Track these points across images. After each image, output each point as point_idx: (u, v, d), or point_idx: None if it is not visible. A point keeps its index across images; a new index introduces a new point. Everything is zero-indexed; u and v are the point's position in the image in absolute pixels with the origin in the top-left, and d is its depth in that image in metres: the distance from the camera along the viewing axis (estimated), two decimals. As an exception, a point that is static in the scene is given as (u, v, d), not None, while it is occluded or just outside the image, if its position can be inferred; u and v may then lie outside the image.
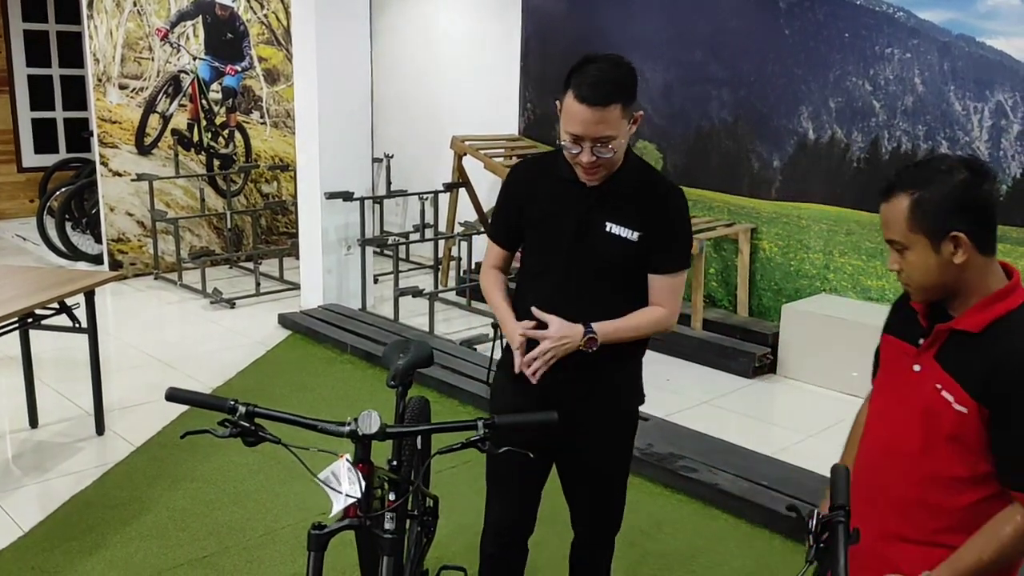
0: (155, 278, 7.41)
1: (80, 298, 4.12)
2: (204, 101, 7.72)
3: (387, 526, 2.29)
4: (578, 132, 2.05)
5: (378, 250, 7.56)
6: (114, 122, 7.24)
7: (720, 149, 6.07)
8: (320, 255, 6.36)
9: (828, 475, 1.48)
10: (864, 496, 1.73)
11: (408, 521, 2.67)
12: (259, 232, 8.06)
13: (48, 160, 9.62)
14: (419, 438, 2.91)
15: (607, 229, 2.18)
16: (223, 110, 7.86)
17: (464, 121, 7.50)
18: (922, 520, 1.68)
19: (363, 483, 1.77)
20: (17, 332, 4.17)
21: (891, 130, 5.20)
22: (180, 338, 5.99)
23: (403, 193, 7.31)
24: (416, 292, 5.95)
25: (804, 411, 4.90)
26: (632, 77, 2.10)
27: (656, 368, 5.48)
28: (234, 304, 6.66)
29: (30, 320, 4.10)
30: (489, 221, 2.43)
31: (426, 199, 7.25)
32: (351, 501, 1.77)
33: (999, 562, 1.58)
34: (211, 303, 6.68)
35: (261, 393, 4.93)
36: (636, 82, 2.11)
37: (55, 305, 4.03)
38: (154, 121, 7.45)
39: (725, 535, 3.56)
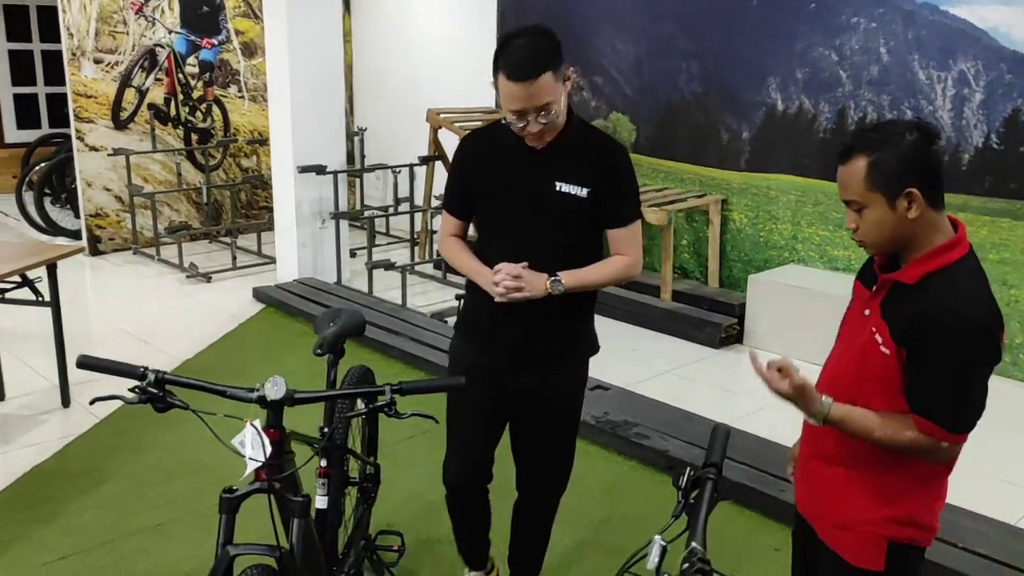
0: (133, 253, 7.45)
1: (44, 272, 4.16)
2: (180, 75, 7.71)
3: (319, 493, 2.37)
4: (518, 107, 2.16)
5: (356, 224, 7.58)
6: (90, 96, 7.23)
7: (690, 121, 6.07)
8: (294, 229, 6.39)
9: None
10: (807, 425, 1.92)
11: (348, 487, 2.72)
12: (238, 206, 8.08)
13: (31, 135, 9.63)
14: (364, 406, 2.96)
15: (557, 188, 2.29)
16: (200, 84, 7.85)
17: (442, 94, 7.48)
18: (850, 448, 1.81)
19: (268, 448, 1.81)
20: (-19, 306, 4.22)
21: (857, 100, 5.20)
22: (154, 312, 6.04)
23: (378, 167, 7.32)
24: (388, 265, 5.98)
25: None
26: (555, 43, 2.20)
27: (623, 338, 5.55)
28: (210, 278, 6.69)
29: (-8, 294, 4.14)
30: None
31: (399, 172, 7.26)
32: (256, 465, 1.81)
33: (881, 444, 1.73)
34: (187, 277, 6.72)
35: (226, 366, 4.98)
36: (559, 45, 2.20)
37: (17, 278, 4.07)
38: (130, 95, 7.44)
39: (673, 501, 3.60)
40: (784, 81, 5.51)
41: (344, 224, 6.59)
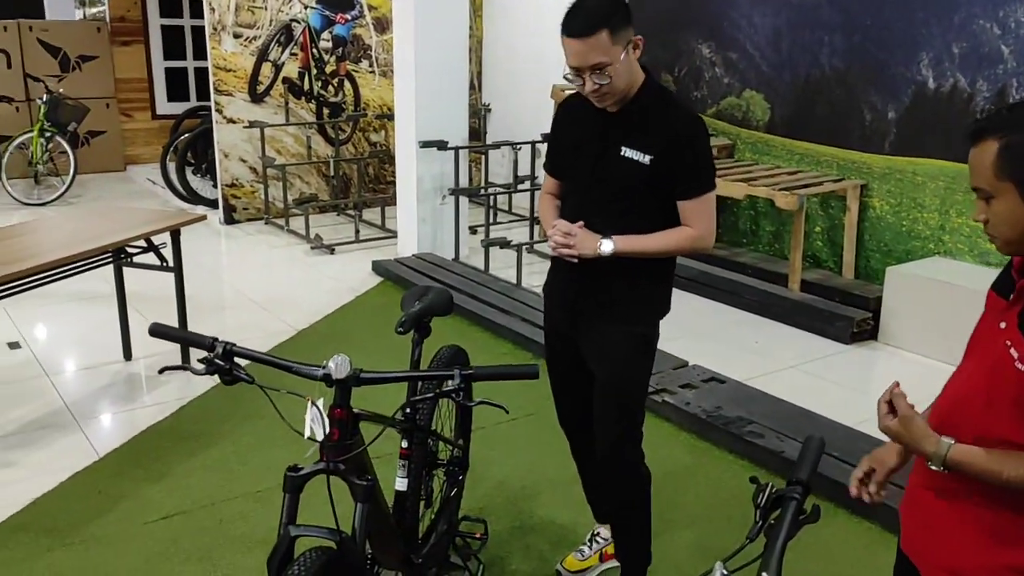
0: (265, 223, 7.68)
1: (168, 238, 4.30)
2: (315, 50, 7.86)
3: (400, 475, 2.30)
4: (572, 64, 2.22)
5: (478, 201, 7.55)
6: (229, 70, 7.47)
7: (830, 99, 5.67)
8: (415, 204, 6.40)
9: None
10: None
11: (432, 470, 2.65)
12: (366, 180, 8.20)
13: (179, 108, 10.09)
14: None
15: (622, 152, 2.31)
16: (333, 59, 7.98)
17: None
18: (968, 479, 1.56)
19: (326, 427, 1.74)
20: (113, 268, 4.41)
21: (1020, 78, 4.70)
22: (278, 281, 6.19)
23: (502, 144, 7.23)
24: (504, 243, 5.90)
25: (901, 382, 4.56)
26: (619, 4, 2.22)
27: (745, 329, 5.27)
28: (333, 250, 6.81)
29: (122, 257, 4.31)
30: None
31: (519, 149, 7.16)
32: (317, 445, 1.75)
33: (1009, 485, 1.48)
34: (312, 249, 6.86)
35: (340, 336, 5.03)
36: (625, 9, 2.23)
37: (143, 243, 4.21)
38: (266, 69, 7.64)
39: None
40: (938, 56, 5.05)
41: (464, 201, 6.56)
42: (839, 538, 3.19)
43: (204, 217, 4.51)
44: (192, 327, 4.72)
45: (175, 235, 4.32)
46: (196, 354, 4.57)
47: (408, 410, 2.32)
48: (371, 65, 8.20)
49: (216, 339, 1.84)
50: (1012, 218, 1.48)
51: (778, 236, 6.08)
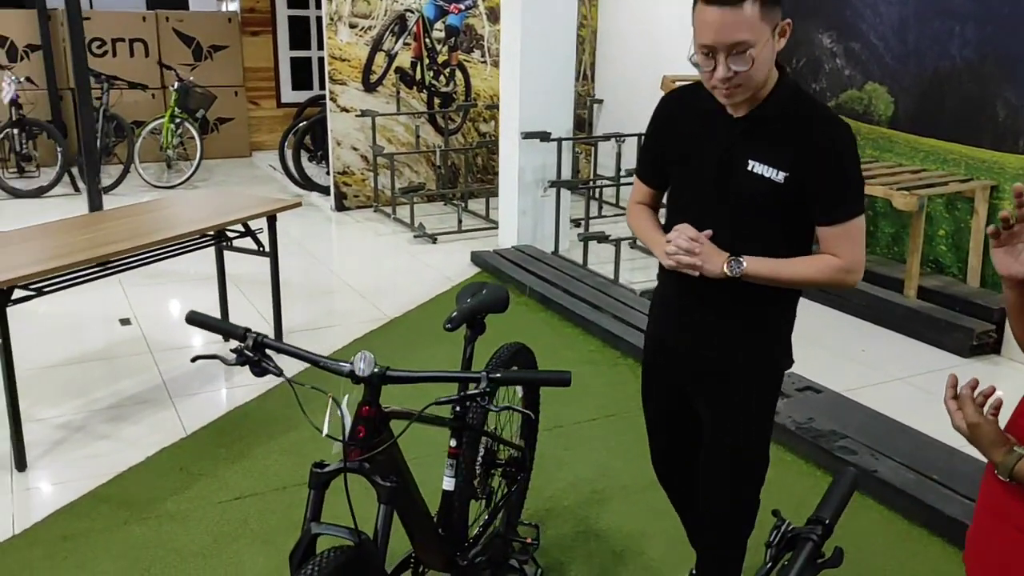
0: (374, 211, 7.81)
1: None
2: (427, 40, 7.92)
3: (447, 474, 2.25)
4: (709, 40, 1.81)
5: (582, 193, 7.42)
6: (343, 60, 7.62)
7: (960, 93, 5.26)
8: (516, 196, 6.35)
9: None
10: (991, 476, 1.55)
11: (490, 470, 2.59)
12: (474, 170, 8.21)
13: (302, 96, 10.40)
14: (521, 391, 2.81)
15: (749, 167, 1.94)
16: (445, 48, 8.02)
17: (683, 61, 7.08)
18: None
19: (348, 425, 1.70)
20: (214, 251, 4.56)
21: None
22: (379, 269, 6.26)
23: (609, 136, 7.09)
24: (602, 238, 5.77)
25: None
26: None
27: (851, 336, 4.97)
28: (435, 239, 6.85)
29: (222, 241, 4.45)
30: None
31: (623, 142, 6.99)
32: (339, 443, 1.71)
33: None
34: (415, 237, 6.92)
35: (426, 327, 5.03)
36: None
37: (240, 227, 4.33)
38: (380, 59, 7.75)
39: (874, 531, 3.14)
40: (1083, 47, 4.60)
41: (567, 194, 6.46)
42: (928, 568, 2.94)
43: (299, 203, 4.59)
44: (287, 312, 4.83)
45: (271, 221, 4.41)
46: (303, 335, 4.69)
47: (458, 408, 2.27)
48: (483, 55, 8.20)
49: (248, 330, 1.83)
50: None
51: (897, 239, 5.71)
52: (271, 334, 4.67)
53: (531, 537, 2.64)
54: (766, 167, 1.92)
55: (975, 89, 5.17)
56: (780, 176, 1.91)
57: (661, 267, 2.14)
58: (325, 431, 1.70)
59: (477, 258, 6.24)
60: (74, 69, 6.30)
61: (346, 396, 1.75)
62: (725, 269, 1.94)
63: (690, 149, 2.05)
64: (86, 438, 3.71)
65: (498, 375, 1.74)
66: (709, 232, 1.97)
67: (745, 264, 1.94)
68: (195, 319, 1.87)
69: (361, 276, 6.04)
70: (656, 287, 2.29)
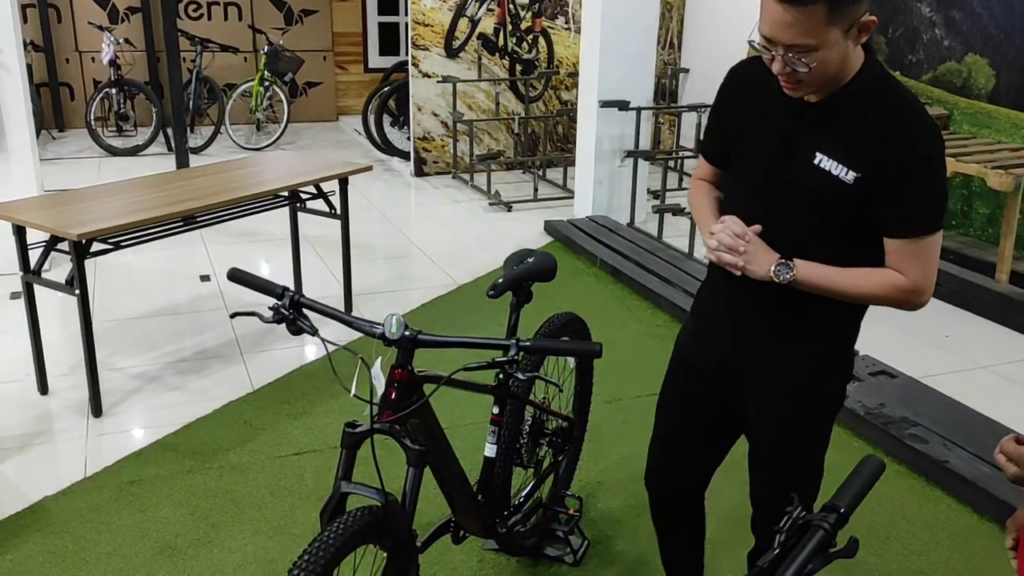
0: (452, 177, 7.83)
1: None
2: (511, 6, 7.84)
3: (489, 441, 2.24)
4: (767, 33, 1.63)
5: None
6: (427, 25, 7.62)
7: (1069, 66, 4.93)
8: (592, 165, 6.27)
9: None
10: None
11: (538, 439, 2.58)
12: (554, 139, 8.14)
13: (389, 62, 10.47)
14: (573, 362, 2.79)
15: (815, 161, 1.71)
16: (529, 15, 7.93)
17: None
18: None
19: (380, 387, 1.71)
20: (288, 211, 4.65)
21: None
22: (452, 235, 6.29)
23: (693, 107, 6.91)
24: (676, 210, 5.66)
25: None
26: None
27: (936, 320, 4.75)
28: (511, 207, 6.83)
29: (296, 203, 4.52)
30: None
31: (703, 112, 6.79)
32: (366, 405, 1.72)
33: None
34: (490, 204, 6.92)
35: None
36: None
37: (313, 189, 4.40)
38: (463, 25, 7.73)
39: (940, 522, 3.01)
40: None
41: (645, 165, 6.34)
42: (996, 564, 2.81)
43: (370, 167, 4.62)
44: (357, 275, 4.91)
45: (343, 184, 4.46)
46: (371, 298, 4.75)
47: (501, 375, 2.25)
48: (567, 22, 8.08)
49: (287, 289, 1.85)
50: None
51: (992, 220, 5.41)
52: (342, 296, 4.75)
53: (574, 509, 2.62)
54: (835, 163, 1.69)
55: (1086, 62, 4.83)
56: (850, 176, 1.68)
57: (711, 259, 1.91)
58: (353, 392, 1.71)
59: (550, 227, 6.20)
60: (164, 31, 6.47)
61: (379, 358, 1.75)
62: (772, 273, 1.73)
63: (752, 130, 1.83)
64: (159, 388, 3.85)
65: (527, 343, 1.71)
66: (758, 228, 1.76)
67: (795, 270, 1.72)
68: (237, 276, 1.91)
69: (435, 242, 6.07)
70: (704, 280, 2.05)
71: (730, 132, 1.91)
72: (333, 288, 5.02)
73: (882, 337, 4.29)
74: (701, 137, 7.00)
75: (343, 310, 4.64)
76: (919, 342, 4.44)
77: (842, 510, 1.07)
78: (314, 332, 1.80)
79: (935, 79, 5.74)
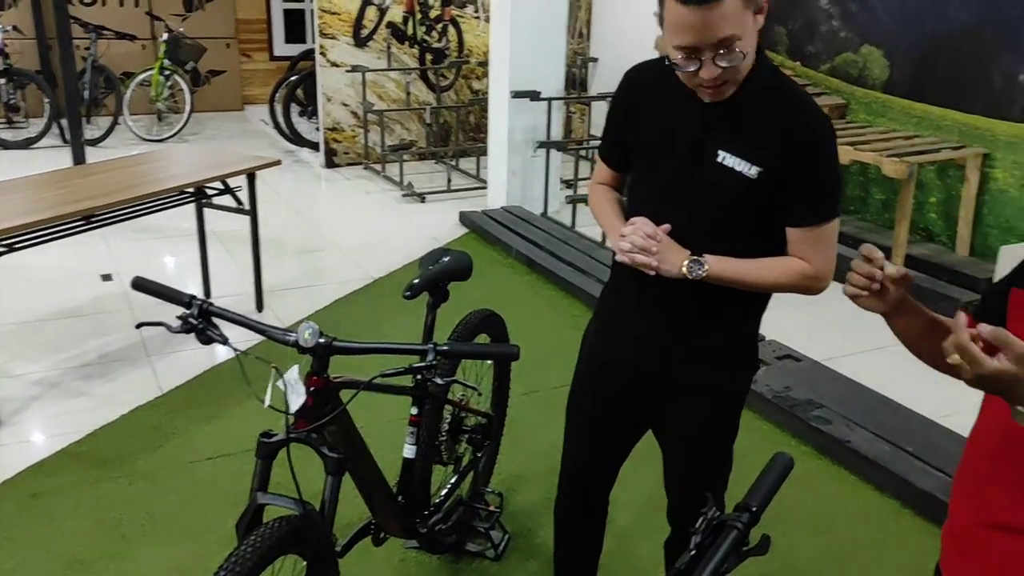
0: (364, 168, 7.74)
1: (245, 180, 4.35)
2: (420, -6, 7.77)
3: (408, 442, 2.23)
4: (690, 42, 1.61)
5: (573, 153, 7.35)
6: (334, 13, 7.48)
7: (956, 59, 5.16)
8: (505, 156, 6.28)
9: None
10: (974, 471, 1.47)
11: (457, 437, 2.58)
12: (466, 128, 8.12)
13: (296, 50, 10.25)
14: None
15: (719, 159, 1.75)
16: (438, 3, 7.87)
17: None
18: None
19: (298, 396, 1.68)
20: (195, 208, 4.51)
21: None
22: (365, 227, 6.21)
23: (592, 97, 6.99)
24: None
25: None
26: None
27: (838, 304, 4.92)
28: (424, 198, 6.79)
29: (202, 199, 4.40)
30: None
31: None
32: (283, 414, 1.69)
33: None
34: (403, 196, 6.86)
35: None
36: None
37: (219, 185, 4.28)
38: (371, 13, 7.62)
39: (844, 500, 3.15)
40: (1082, 13, 4.50)
41: (558, 155, 6.38)
42: (898, 539, 2.95)
43: (278, 162, 4.52)
44: (268, 271, 4.80)
45: (251, 178, 4.35)
46: (283, 295, 4.65)
47: (418, 377, 2.24)
48: (476, 10, 8.05)
49: (194, 297, 1.79)
50: None
51: (888, 206, 5.65)
52: (253, 294, 4.65)
53: (495, 504, 2.64)
54: (738, 160, 1.73)
55: (972, 55, 5.07)
56: (753, 171, 1.72)
57: (616, 260, 1.93)
58: (267, 403, 1.68)
59: (465, 218, 6.19)
60: (56, 18, 6.19)
61: (295, 366, 1.72)
62: (684, 270, 1.75)
63: (654, 134, 1.84)
64: (61, 395, 3.70)
65: (445, 348, 1.71)
66: (667, 227, 1.78)
67: (707, 265, 1.75)
68: (141, 285, 1.84)
69: (348, 235, 5.99)
70: (608, 281, 2.07)
71: (631, 135, 1.91)
72: (243, 285, 4.90)
73: (787, 322, 4.43)
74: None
75: (254, 307, 4.59)
76: (821, 326, 4.60)
77: (754, 509, 1.10)
78: (225, 341, 1.76)
79: (833, 69, 5.94)
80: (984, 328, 1.15)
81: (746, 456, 2.71)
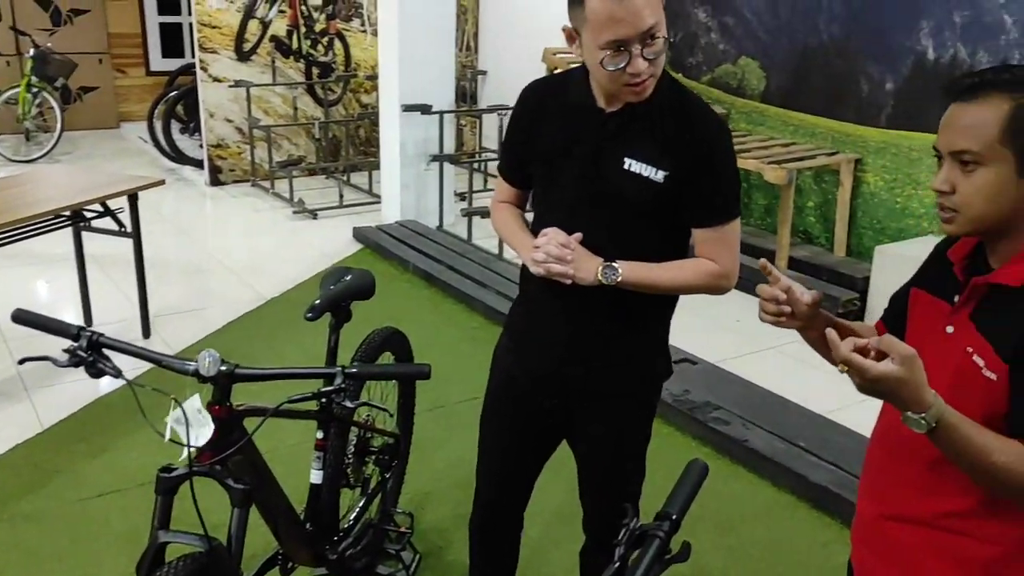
0: (251, 185, 7.54)
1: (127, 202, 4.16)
2: (304, 7, 7.64)
3: (314, 467, 2.17)
4: (623, 35, 1.62)
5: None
6: (214, 27, 7.28)
7: (827, 69, 5.43)
8: (398, 170, 6.23)
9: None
10: (877, 467, 1.54)
11: (363, 458, 2.53)
12: (356, 143, 8.02)
13: (174, 64, 9.91)
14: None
15: (625, 166, 1.77)
16: (323, 17, 7.77)
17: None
18: (933, 502, 1.42)
19: (203, 427, 1.61)
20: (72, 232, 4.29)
21: (1023, 49, 4.46)
22: (255, 247, 6.05)
23: (493, 108, 7.02)
24: (485, 212, 5.72)
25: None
26: None
27: (727, 307, 5.08)
28: (316, 215, 6.67)
29: (80, 222, 4.18)
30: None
31: (504, 115, 6.94)
32: (184, 448, 1.62)
33: (999, 477, 1.27)
34: (294, 213, 6.72)
35: (304, 308, 4.89)
36: None
37: (99, 207, 4.08)
38: (253, 27, 7.44)
39: (744, 498, 3.24)
40: (939, 25, 4.80)
41: (451, 167, 6.38)
42: (796, 533, 3.06)
43: (162, 182, 4.36)
44: (156, 293, 4.61)
45: (132, 200, 4.17)
46: (170, 319, 4.45)
47: (324, 400, 2.18)
48: (363, 24, 7.98)
49: (83, 328, 1.70)
50: (993, 192, 1.29)
51: (770, 210, 5.88)
52: (138, 319, 4.45)
53: (405, 525, 2.60)
54: (644, 166, 1.76)
55: (841, 64, 5.34)
56: (659, 175, 1.76)
57: (525, 274, 1.93)
58: (167, 437, 1.60)
59: (359, 234, 6.11)
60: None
61: (196, 395, 1.65)
62: (599, 276, 1.77)
63: (556, 147, 1.85)
64: (-71, 437, 3.45)
65: (354, 370, 1.67)
66: (579, 236, 1.78)
67: (621, 271, 1.77)
68: (23, 318, 1.73)
69: (237, 255, 5.82)
70: (518, 297, 2.07)
71: (531, 154, 1.93)
72: (127, 311, 4.68)
73: (682, 325, 4.54)
74: (501, 145, 7.13)
75: (140, 334, 4.39)
76: (714, 329, 4.74)
77: (674, 517, 1.12)
78: (118, 374, 1.67)
79: (713, 80, 6.15)
80: (872, 340, 1.23)
81: (650, 460, 2.77)
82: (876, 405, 1.45)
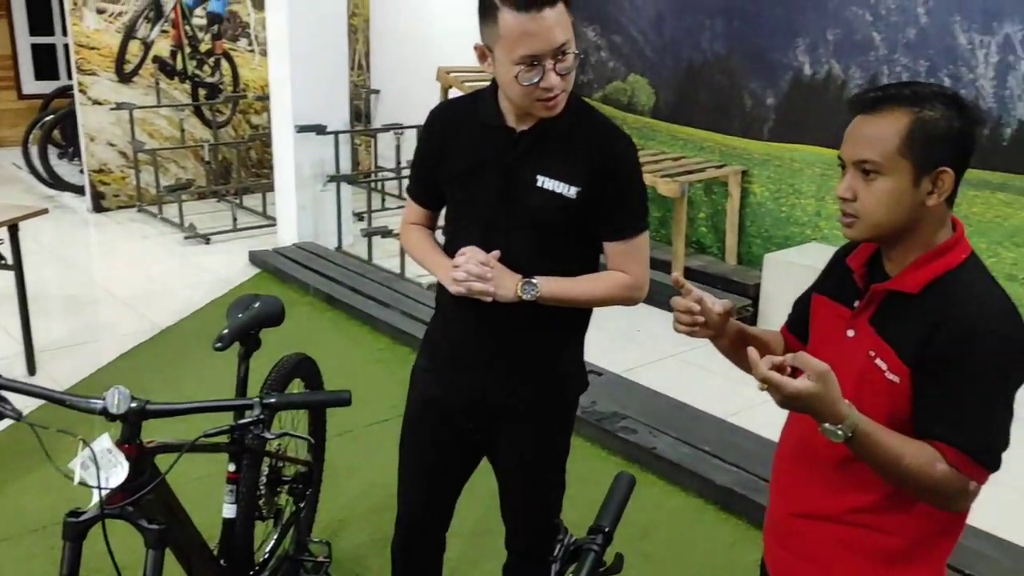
0: (137, 211, 7.27)
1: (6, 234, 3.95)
2: (188, 27, 7.44)
3: (227, 501, 2.11)
4: (537, 50, 1.68)
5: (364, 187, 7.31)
6: (92, 48, 7.00)
7: (712, 85, 5.65)
8: (293, 191, 6.13)
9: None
10: (787, 469, 1.61)
11: (275, 489, 2.47)
12: (248, 165, 7.85)
13: (49, 87, 9.48)
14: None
15: (538, 183, 1.82)
16: (208, 36, 7.58)
17: (457, 52, 7.11)
18: (840, 499, 1.49)
19: (117, 467, 1.55)
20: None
21: (891, 65, 4.75)
22: (146, 274, 5.84)
23: (389, 128, 7.01)
24: (385, 232, 5.70)
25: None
26: None
27: (627, 318, 5.21)
28: (209, 240, 6.48)
29: (-45, 256, 3.96)
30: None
31: (401, 134, 6.94)
32: (96, 489, 1.55)
33: (909, 478, 1.35)
34: (186, 238, 6.51)
35: (203, 336, 4.74)
36: None
37: (-24, 241, 3.87)
38: (135, 47, 7.20)
39: (656, 505, 3.32)
40: (814, 42, 5.06)
41: (348, 187, 6.31)
42: (706, 535, 3.15)
43: (45, 210, 4.16)
44: (40, 329, 4.39)
45: (13, 231, 3.97)
46: (58, 354, 4.23)
47: (237, 433, 2.13)
48: (250, 44, 7.82)
49: (-23, 370, 1.61)
50: (893, 200, 1.38)
51: (664, 222, 6.05)
52: (21, 355, 4.23)
53: (322, 555, 2.55)
54: (557, 182, 1.81)
55: (725, 80, 5.56)
56: (572, 191, 1.81)
57: (442, 294, 1.96)
58: (77, 479, 1.54)
59: (256, 258, 5.97)
60: None
61: (105, 435, 1.58)
62: (519, 292, 1.81)
63: (468, 167, 1.88)
64: None
65: (272, 400, 1.64)
66: (497, 253, 1.82)
67: (540, 286, 1.81)
68: (-89, 362, 1.63)
69: (127, 284, 5.60)
70: (434, 318, 2.08)
71: (442, 174, 1.95)
72: (10, 347, 4.45)
73: (586, 338, 4.64)
74: (404, 157, 7.11)
75: (25, 371, 4.17)
76: (617, 340, 4.85)
77: (607, 530, 1.15)
78: (19, 417, 1.59)
79: (605, 97, 6.30)
80: (788, 357, 1.30)
81: (567, 471, 2.81)
82: (775, 406, 1.52)
